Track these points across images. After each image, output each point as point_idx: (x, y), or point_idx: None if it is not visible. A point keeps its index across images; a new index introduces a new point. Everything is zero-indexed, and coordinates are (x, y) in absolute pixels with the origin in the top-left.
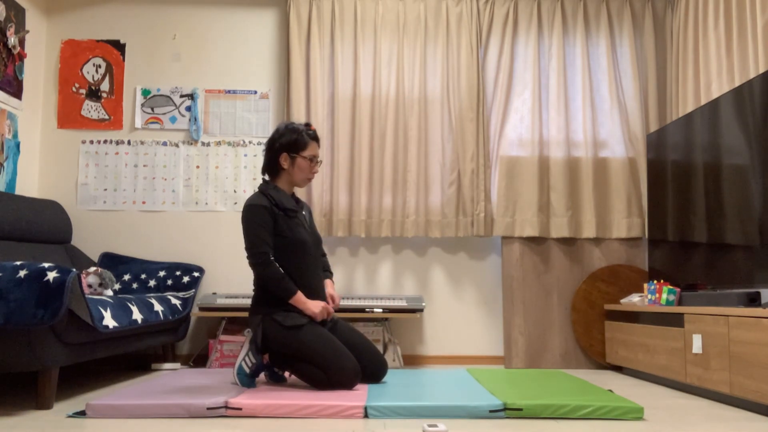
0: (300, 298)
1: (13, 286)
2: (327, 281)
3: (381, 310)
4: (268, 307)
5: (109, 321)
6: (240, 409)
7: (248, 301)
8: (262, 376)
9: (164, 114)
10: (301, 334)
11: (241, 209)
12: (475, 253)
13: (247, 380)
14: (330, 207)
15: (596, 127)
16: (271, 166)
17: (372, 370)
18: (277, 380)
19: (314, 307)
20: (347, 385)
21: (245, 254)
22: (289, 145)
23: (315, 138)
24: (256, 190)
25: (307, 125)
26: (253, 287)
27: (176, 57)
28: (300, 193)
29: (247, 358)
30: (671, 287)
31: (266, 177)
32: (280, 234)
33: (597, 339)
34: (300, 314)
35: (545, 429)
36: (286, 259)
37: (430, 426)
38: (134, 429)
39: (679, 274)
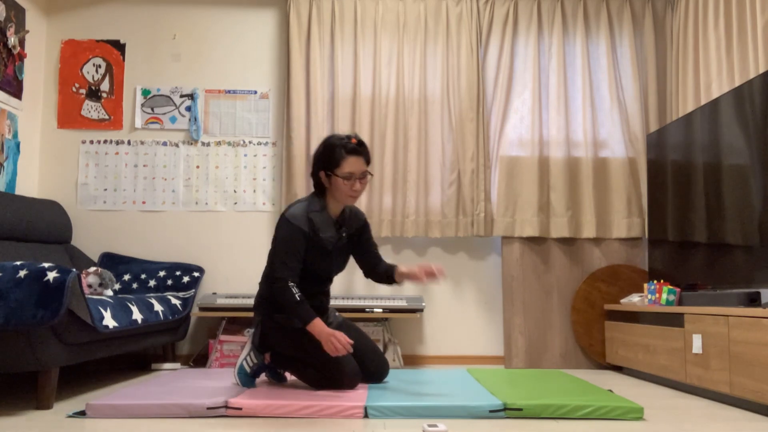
0: (317, 326)
1: (13, 286)
2: (399, 267)
3: (381, 310)
4: (271, 307)
5: (109, 321)
6: (240, 409)
7: (248, 301)
8: (262, 375)
9: (164, 114)
10: (301, 337)
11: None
12: (475, 253)
13: (247, 380)
14: None
15: (596, 127)
16: (316, 184)
17: (373, 371)
18: (277, 379)
19: (325, 337)
20: (346, 388)
21: (260, 255)
22: (323, 162)
23: (354, 152)
24: (306, 197)
25: (349, 137)
26: (259, 284)
27: (176, 57)
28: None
29: (248, 358)
30: (671, 287)
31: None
32: (305, 262)
33: (597, 339)
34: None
35: (545, 429)
36: (301, 283)
37: (430, 426)
38: (134, 429)
39: (679, 274)
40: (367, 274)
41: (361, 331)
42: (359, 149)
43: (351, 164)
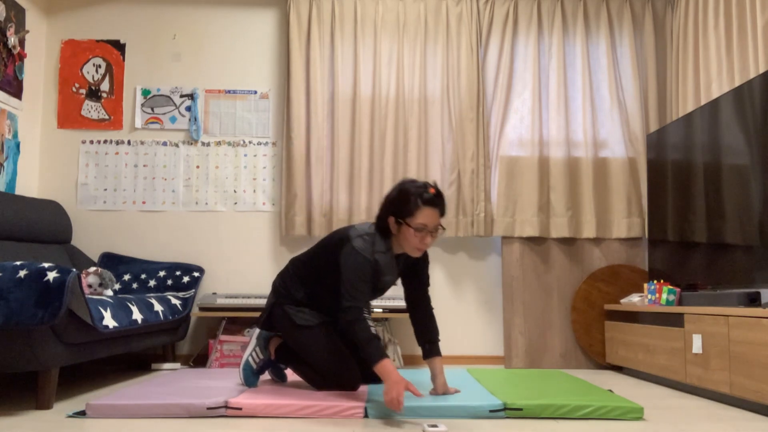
0: (387, 367)
1: (13, 286)
2: (435, 360)
3: (381, 310)
4: (285, 298)
5: (109, 321)
6: (240, 409)
7: (248, 301)
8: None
9: (164, 114)
10: (307, 335)
11: (342, 244)
12: (475, 253)
13: (252, 377)
14: (330, 207)
15: (596, 127)
16: (380, 225)
17: (374, 371)
18: (278, 377)
19: (399, 383)
20: (346, 389)
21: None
22: (396, 208)
23: (430, 203)
24: (372, 232)
25: (427, 186)
26: (281, 270)
27: (176, 57)
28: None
29: (254, 353)
30: (671, 287)
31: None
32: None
33: (597, 339)
34: (312, 315)
35: (545, 429)
36: (328, 287)
37: (430, 426)
38: (134, 429)
39: (679, 274)
40: (409, 309)
41: None
42: (437, 201)
43: (426, 216)
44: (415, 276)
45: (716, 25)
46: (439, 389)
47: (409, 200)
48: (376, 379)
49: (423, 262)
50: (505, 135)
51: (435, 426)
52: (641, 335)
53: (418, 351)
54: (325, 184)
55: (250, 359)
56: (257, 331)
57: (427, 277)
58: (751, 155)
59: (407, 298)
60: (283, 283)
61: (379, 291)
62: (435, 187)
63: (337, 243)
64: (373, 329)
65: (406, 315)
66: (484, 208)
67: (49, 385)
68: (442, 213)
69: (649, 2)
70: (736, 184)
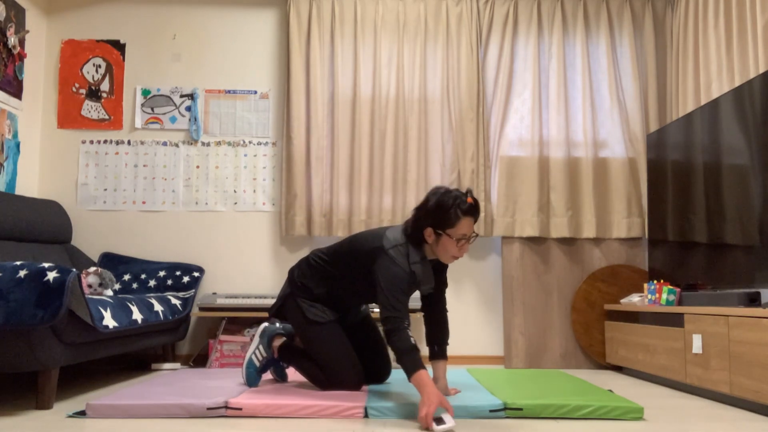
0: (423, 379)
1: (13, 286)
2: (439, 363)
3: None
4: (301, 291)
5: (109, 321)
6: (240, 409)
7: (248, 301)
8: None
9: (164, 114)
10: (317, 331)
11: (377, 254)
12: (475, 253)
13: (255, 375)
14: (330, 207)
15: (596, 127)
16: (414, 235)
17: (376, 371)
18: (280, 376)
19: (433, 396)
20: (349, 389)
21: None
22: (436, 219)
23: (469, 212)
24: (403, 242)
25: (464, 195)
26: (300, 261)
27: (176, 57)
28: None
29: (257, 351)
30: (671, 287)
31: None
32: (370, 288)
33: (597, 339)
34: (324, 312)
35: (545, 429)
36: (350, 288)
37: (434, 419)
38: (134, 429)
39: (679, 274)
40: (423, 310)
41: (377, 329)
42: (475, 211)
43: (465, 226)
44: (435, 279)
45: (716, 25)
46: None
47: (449, 212)
48: (377, 380)
49: (442, 267)
50: (505, 135)
51: (440, 419)
52: (641, 335)
53: (424, 351)
54: (325, 184)
55: (254, 357)
56: (260, 329)
57: (446, 281)
58: (751, 155)
59: (423, 299)
60: (301, 274)
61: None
62: (472, 195)
63: (369, 252)
64: (412, 340)
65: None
66: (484, 208)
67: (49, 385)
68: (476, 220)
69: (649, 2)
70: (736, 184)
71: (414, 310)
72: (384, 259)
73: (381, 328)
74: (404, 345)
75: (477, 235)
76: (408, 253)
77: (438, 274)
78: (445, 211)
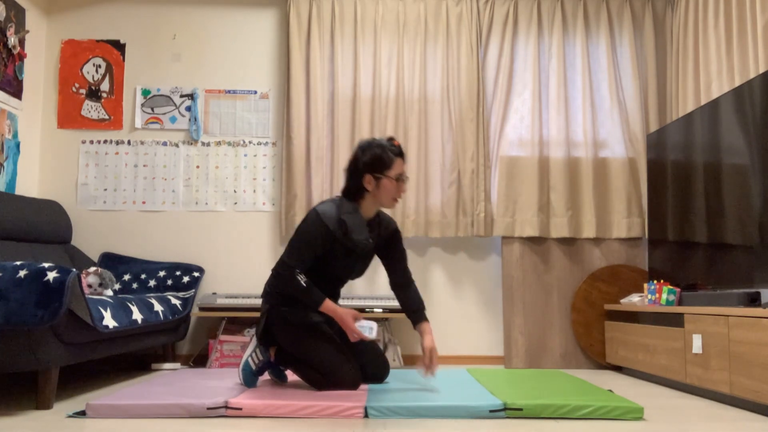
0: (329, 306)
1: (13, 286)
2: (423, 325)
3: (381, 310)
4: (279, 299)
5: (109, 321)
6: (240, 409)
7: (248, 301)
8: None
9: (164, 114)
10: (305, 334)
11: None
12: (475, 253)
13: (251, 377)
14: None
15: (596, 127)
16: (354, 188)
17: (374, 372)
18: (278, 377)
19: (345, 315)
20: (346, 389)
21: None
22: (372, 165)
23: (400, 154)
24: (337, 197)
25: (390, 140)
26: (271, 270)
27: (176, 57)
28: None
29: (254, 354)
30: (671, 287)
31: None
32: (324, 261)
33: (597, 339)
34: (308, 314)
35: (545, 429)
36: (317, 275)
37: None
38: (134, 429)
39: (679, 274)
40: (392, 287)
41: None
42: (402, 151)
43: (399, 166)
44: (392, 250)
45: (716, 25)
46: (426, 348)
47: (383, 156)
48: (376, 380)
49: (396, 236)
50: (505, 135)
51: (369, 329)
52: (641, 335)
53: (419, 351)
54: (325, 184)
55: (250, 360)
56: (255, 329)
57: (404, 251)
58: (751, 155)
59: (390, 275)
60: (269, 288)
61: (354, 259)
62: (396, 140)
63: (304, 220)
64: (304, 282)
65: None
66: (484, 208)
67: (49, 385)
68: (404, 162)
69: (649, 2)
70: (736, 184)
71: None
72: (310, 214)
73: (273, 272)
74: (300, 286)
75: (407, 178)
76: (341, 204)
77: (394, 244)
78: (380, 156)
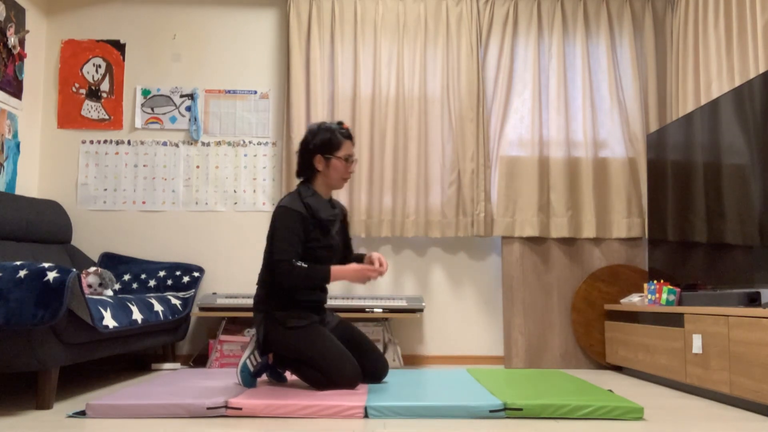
0: (337, 271)
1: (13, 286)
2: (363, 255)
3: (381, 310)
4: (271, 306)
5: (109, 321)
6: (240, 409)
7: (248, 301)
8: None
9: (164, 114)
10: (302, 336)
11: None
12: (475, 253)
13: (249, 379)
14: None
15: (596, 127)
16: (305, 168)
17: (373, 370)
18: (277, 379)
19: (356, 269)
20: (347, 388)
21: (260, 255)
22: (322, 146)
23: (349, 137)
24: (294, 190)
25: (340, 123)
26: (256, 285)
27: (176, 57)
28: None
29: (252, 357)
30: (671, 287)
31: (301, 180)
32: (308, 249)
33: (597, 339)
34: (302, 316)
35: (545, 429)
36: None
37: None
38: (134, 429)
39: (679, 274)
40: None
41: (359, 330)
42: (351, 134)
43: (348, 147)
44: (346, 231)
45: (716, 25)
46: (374, 256)
47: (332, 138)
48: (375, 379)
49: (347, 219)
50: (505, 135)
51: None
52: (641, 335)
53: (418, 351)
54: None
55: (248, 362)
56: (254, 334)
57: (350, 238)
58: (751, 155)
59: (339, 260)
60: (263, 294)
61: (332, 236)
62: (345, 123)
63: (275, 218)
64: (304, 265)
65: (406, 315)
66: (484, 208)
67: (49, 385)
68: (353, 144)
69: (649, 2)
70: (736, 184)
71: (413, 310)
72: (276, 211)
73: (276, 273)
74: (302, 271)
75: (356, 160)
76: (300, 191)
77: (346, 226)
78: (330, 138)
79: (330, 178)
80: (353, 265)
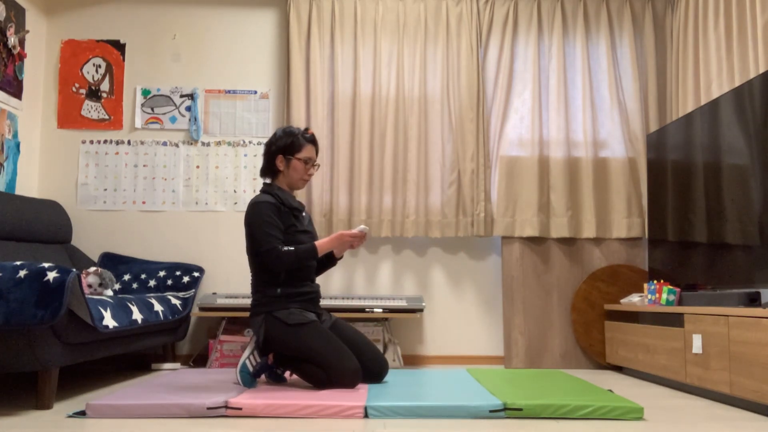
0: (323, 244)
1: (13, 286)
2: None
3: (381, 310)
4: (270, 306)
5: (109, 321)
6: (240, 409)
7: (248, 301)
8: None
9: (164, 114)
10: (303, 333)
11: (245, 209)
12: (475, 253)
13: (249, 379)
14: (330, 207)
15: (596, 127)
16: (268, 167)
17: (372, 370)
18: (277, 380)
19: (337, 236)
20: (349, 384)
21: (246, 254)
22: (284, 148)
23: (311, 141)
24: (258, 192)
25: (306, 129)
26: (251, 289)
27: (176, 57)
28: (301, 192)
29: (251, 357)
30: (671, 287)
31: (266, 180)
32: (285, 230)
33: (597, 339)
34: (302, 314)
35: (545, 429)
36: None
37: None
38: (134, 429)
39: (679, 274)
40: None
41: (356, 329)
42: (314, 140)
43: (309, 151)
44: (312, 229)
45: (716, 25)
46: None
47: (294, 140)
48: (375, 379)
49: (308, 217)
50: (505, 135)
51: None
52: (641, 335)
53: (418, 351)
54: (325, 184)
55: (247, 362)
56: (253, 334)
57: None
58: (751, 155)
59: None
60: (257, 293)
61: (306, 224)
62: (310, 129)
63: (249, 215)
64: (291, 248)
65: (406, 315)
66: (484, 208)
67: (49, 385)
68: (317, 153)
69: (649, 2)
70: (736, 184)
71: (413, 310)
72: (248, 210)
73: (267, 264)
74: (291, 254)
75: (318, 165)
76: (266, 188)
77: (312, 224)
78: (292, 141)
79: (290, 177)
80: (333, 235)
